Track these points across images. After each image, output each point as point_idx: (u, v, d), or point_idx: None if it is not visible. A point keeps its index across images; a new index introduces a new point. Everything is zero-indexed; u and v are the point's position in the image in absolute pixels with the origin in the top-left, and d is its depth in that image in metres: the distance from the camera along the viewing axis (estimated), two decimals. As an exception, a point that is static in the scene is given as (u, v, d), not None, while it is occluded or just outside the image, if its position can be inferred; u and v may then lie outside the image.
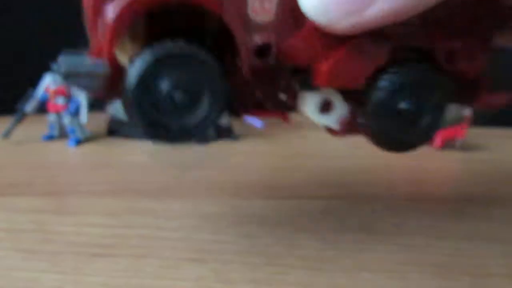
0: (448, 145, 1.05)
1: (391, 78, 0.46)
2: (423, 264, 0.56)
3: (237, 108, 0.48)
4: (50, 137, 1.07)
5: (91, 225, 0.63)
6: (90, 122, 1.04)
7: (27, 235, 0.61)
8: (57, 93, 1.03)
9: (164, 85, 0.41)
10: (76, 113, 1.03)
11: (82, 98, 1.02)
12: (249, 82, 0.45)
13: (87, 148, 1.04)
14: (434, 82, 0.47)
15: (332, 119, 0.49)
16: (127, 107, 0.41)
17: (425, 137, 0.49)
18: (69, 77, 0.40)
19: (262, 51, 0.44)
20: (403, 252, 0.59)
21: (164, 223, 0.64)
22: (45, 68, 1.05)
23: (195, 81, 0.42)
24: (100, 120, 1.12)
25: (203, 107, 0.43)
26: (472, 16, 0.46)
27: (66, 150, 1.02)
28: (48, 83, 1.04)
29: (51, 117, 1.06)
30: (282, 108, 0.49)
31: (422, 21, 0.44)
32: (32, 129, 1.09)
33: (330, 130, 0.51)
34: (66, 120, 1.03)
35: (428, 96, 0.47)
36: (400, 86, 0.46)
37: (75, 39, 1.33)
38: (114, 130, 1.12)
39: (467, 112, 1.01)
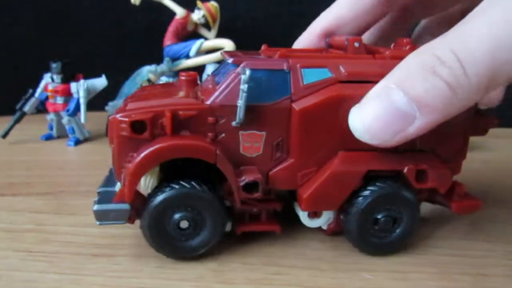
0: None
1: (365, 196, 0.55)
2: (423, 264, 0.56)
3: (235, 226, 0.58)
4: (48, 137, 1.07)
5: (90, 225, 0.63)
6: (89, 122, 1.04)
7: (26, 235, 0.61)
8: (56, 92, 1.03)
9: (174, 217, 0.53)
10: (75, 112, 1.03)
11: (81, 97, 1.02)
12: (238, 206, 0.55)
13: (86, 148, 1.04)
14: (406, 198, 0.56)
15: (321, 222, 0.59)
16: (144, 231, 0.53)
17: (398, 245, 0.58)
18: (100, 214, 0.52)
19: (250, 187, 0.53)
20: (403, 252, 0.59)
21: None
22: (44, 68, 1.05)
23: (200, 214, 0.54)
24: (99, 120, 1.12)
25: (206, 233, 0.54)
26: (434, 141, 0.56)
27: (65, 150, 1.02)
28: (47, 82, 1.04)
29: (50, 117, 1.06)
30: (274, 219, 0.59)
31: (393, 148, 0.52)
32: (30, 129, 1.09)
33: (321, 229, 0.61)
34: (65, 119, 1.02)
35: (399, 208, 0.56)
36: (375, 201, 0.55)
37: (74, 39, 1.33)
38: (113, 130, 1.12)
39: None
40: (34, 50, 1.27)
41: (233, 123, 0.52)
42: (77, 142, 1.05)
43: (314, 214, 0.59)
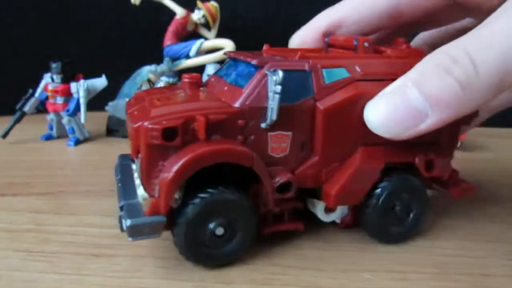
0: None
1: (383, 187, 0.58)
2: (423, 264, 0.56)
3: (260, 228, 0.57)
4: (48, 137, 1.07)
5: (90, 225, 0.63)
6: (89, 122, 1.04)
7: (26, 235, 0.61)
8: (56, 92, 1.03)
9: (211, 223, 0.51)
10: (75, 112, 1.03)
11: (81, 97, 1.02)
12: (272, 208, 0.55)
13: (86, 148, 1.04)
14: (417, 186, 0.60)
15: (335, 217, 0.61)
16: (179, 241, 0.51)
17: (413, 232, 0.61)
18: (135, 230, 0.48)
19: (284, 188, 0.53)
20: (403, 252, 0.59)
21: (164, 223, 0.64)
22: (44, 68, 1.05)
23: (235, 220, 0.53)
24: (99, 120, 1.12)
25: (239, 238, 0.53)
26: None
27: (65, 150, 1.02)
28: (47, 82, 1.04)
29: (50, 117, 1.06)
30: (296, 218, 0.59)
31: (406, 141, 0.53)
32: (30, 129, 1.09)
33: (335, 223, 0.63)
34: (65, 119, 1.02)
35: (413, 197, 0.60)
36: (392, 192, 0.58)
37: (74, 39, 1.33)
38: (113, 130, 1.12)
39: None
40: (34, 50, 1.27)
41: (263, 125, 0.51)
42: (77, 142, 1.05)
43: (329, 209, 0.60)
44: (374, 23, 0.62)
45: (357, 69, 0.55)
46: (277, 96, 0.49)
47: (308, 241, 0.60)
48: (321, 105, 0.53)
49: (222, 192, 0.51)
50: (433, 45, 0.50)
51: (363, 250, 0.59)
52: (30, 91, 1.05)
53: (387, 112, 0.47)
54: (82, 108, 1.03)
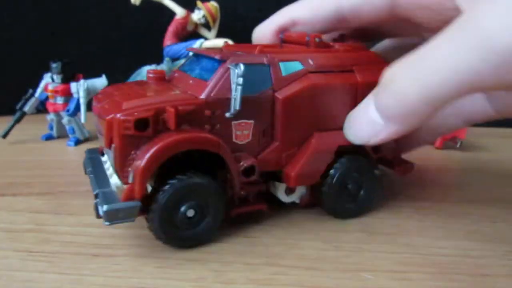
0: (448, 145, 1.05)
1: (336, 168, 0.64)
2: (423, 264, 0.56)
3: (229, 210, 0.61)
4: (48, 137, 1.07)
5: (90, 225, 0.63)
6: (89, 122, 1.04)
7: (26, 235, 0.61)
8: (56, 92, 1.03)
9: (181, 208, 0.55)
10: (75, 112, 1.03)
11: (81, 97, 1.02)
12: (238, 191, 0.59)
13: (86, 148, 1.03)
14: (365, 166, 0.67)
15: (295, 197, 0.67)
16: (153, 224, 0.54)
17: (367, 205, 0.69)
18: (111, 214, 0.51)
19: (249, 171, 0.58)
20: (403, 252, 0.59)
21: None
22: (44, 68, 1.05)
23: (204, 203, 0.57)
24: (99, 120, 1.12)
25: (208, 219, 0.57)
26: None
27: (65, 150, 1.02)
28: (47, 82, 1.04)
29: (50, 117, 1.06)
30: (261, 199, 0.63)
31: None
32: (30, 129, 1.09)
33: (295, 203, 0.68)
34: (65, 119, 1.02)
35: (364, 175, 0.67)
36: (344, 172, 0.64)
37: (74, 39, 1.33)
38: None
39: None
40: (34, 50, 1.27)
41: (227, 114, 0.55)
42: (77, 142, 1.05)
43: (290, 191, 0.66)
44: (324, 24, 0.67)
45: (310, 62, 0.61)
46: (239, 87, 0.54)
47: (308, 241, 0.60)
48: (279, 95, 0.58)
49: (191, 177, 0.55)
50: (389, 56, 0.54)
51: (363, 250, 0.59)
52: (30, 91, 1.05)
53: (355, 124, 0.54)
54: (82, 108, 1.03)
